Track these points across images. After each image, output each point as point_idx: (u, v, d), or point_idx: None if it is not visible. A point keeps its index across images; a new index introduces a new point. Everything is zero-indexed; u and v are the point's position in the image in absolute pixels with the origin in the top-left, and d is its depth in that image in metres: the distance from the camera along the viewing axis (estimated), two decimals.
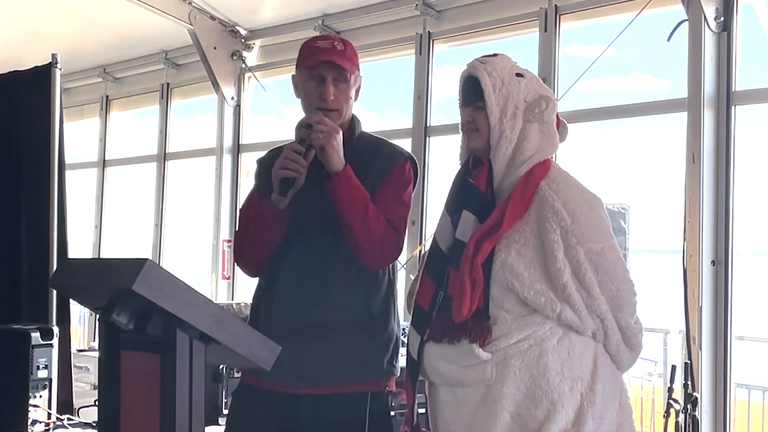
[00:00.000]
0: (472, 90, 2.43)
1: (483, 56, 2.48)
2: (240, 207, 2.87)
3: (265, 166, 2.76)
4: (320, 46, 2.69)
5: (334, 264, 2.63)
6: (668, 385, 4.33)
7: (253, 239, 2.69)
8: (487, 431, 2.32)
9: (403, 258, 4.61)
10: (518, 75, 2.44)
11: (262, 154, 2.91)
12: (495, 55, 2.48)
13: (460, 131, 2.53)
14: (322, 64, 2.65)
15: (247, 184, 5.78)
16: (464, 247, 2.37)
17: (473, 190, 2.44)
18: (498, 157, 2.40)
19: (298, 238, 2.63)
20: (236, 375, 4.05)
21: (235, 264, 2.90)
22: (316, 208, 2.61)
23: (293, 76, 2.78)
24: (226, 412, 4.00)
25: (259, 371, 2.22)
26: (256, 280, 2.81)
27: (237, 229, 2.82)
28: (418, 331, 2.47)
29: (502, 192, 2.41)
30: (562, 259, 2.31)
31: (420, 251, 4.60)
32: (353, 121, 2.76)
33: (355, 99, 2.75)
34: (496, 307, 2.34)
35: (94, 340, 7.32)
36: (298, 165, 2.54)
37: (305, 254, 2.63)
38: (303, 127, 2.62)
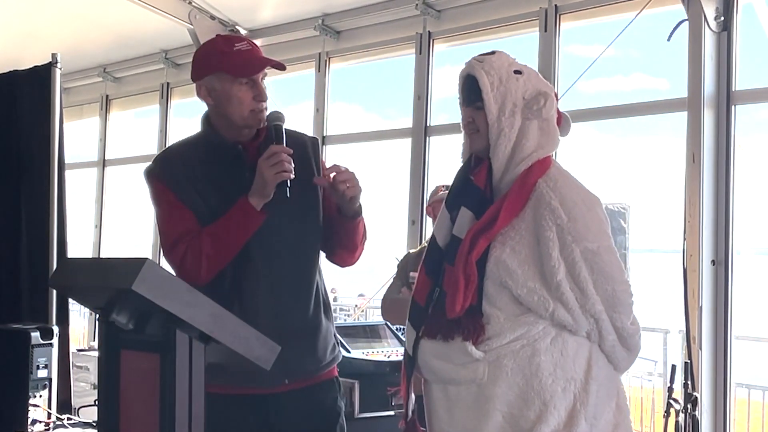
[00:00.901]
0: (470, 89, 2.43)
1: (480, 54, 2.47)
2: (163, 223, 2.65)
3: (181, 176, 2.62)
4: (243, 48, 2.61)
5: (301, 263, 2.68)
6: (668, 384, 4.33)
7: (227, 246, 2.57)
8: (479, 431, 2.32)
9: (400, 255, 4.60)
10: (516, 72, 2.44)
11: None
12: (493, 52, 2.47)
13: (461, 130, 2.53)
14: (258, 68, 2.60)
15: None
16: (460, 244, 2.37)
17: (473, 188, 2.44)
18: (497, 155, 2.40)
19: (262, 241, 2.61)
20: None
21: (185, 275, 2.54)
22: (278, 210, 2.59)
23: (201, 83, 2.63)
24: None
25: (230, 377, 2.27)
26: None
27: (182, 241, 2.56)
28: (414, 327, 2.48)
29: (501, 190, 2.41)
30: (557, 258, 2.30)
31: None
32: None
33: None
34: (489, 304, 2.34)
35: (94, 340, 7.32)
36: (291, 165, 2.55)
37: (273, 256, 2.63)
38: (316, 174, 2.65)
